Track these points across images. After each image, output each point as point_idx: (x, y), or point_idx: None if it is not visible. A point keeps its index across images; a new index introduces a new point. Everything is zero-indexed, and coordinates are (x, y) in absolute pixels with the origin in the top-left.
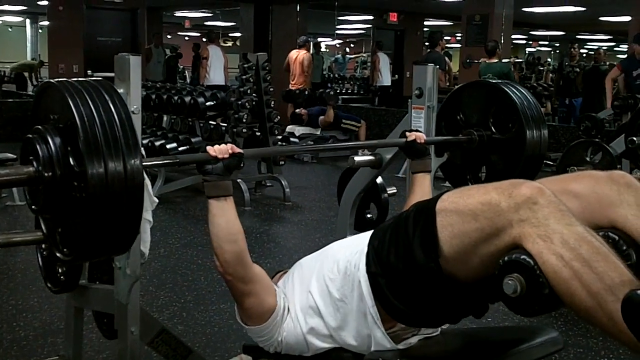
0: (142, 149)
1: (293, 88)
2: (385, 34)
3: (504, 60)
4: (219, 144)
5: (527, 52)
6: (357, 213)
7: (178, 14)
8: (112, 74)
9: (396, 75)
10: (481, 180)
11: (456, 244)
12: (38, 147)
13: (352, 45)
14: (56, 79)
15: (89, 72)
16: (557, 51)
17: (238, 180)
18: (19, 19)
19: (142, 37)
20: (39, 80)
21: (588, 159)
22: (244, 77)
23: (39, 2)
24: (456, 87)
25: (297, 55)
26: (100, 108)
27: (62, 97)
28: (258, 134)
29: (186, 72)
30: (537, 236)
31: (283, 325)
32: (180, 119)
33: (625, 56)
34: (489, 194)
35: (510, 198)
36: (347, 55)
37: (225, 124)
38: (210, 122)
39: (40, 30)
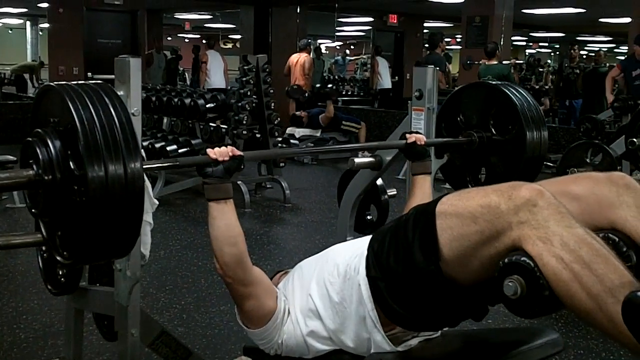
0: (142, 151)
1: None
2: (385, 36)
3: (504, 62)
4: (219, 147)
5: (527, 53)
6: (357, 215)
7: (178, 16)
8: (112, 76)
9: (396, 77)
10: (481, 181)
11: (456, 246)
12: (38, 150)
13: (352, 47)
14: (56, 82)
15: (89, 74)
16: (557, 53)
17: (238, 182)
18: (19, 21)
19: (142, 39)
20: (40, 82)
21: (588, 160)
22: (244, 79)
23: (39, 5)
24: (456, 88)
25: (298, 59)
26: (101, 111)
27: (62, 100)
28: (258, 135)
29: (186, 74)
30: (537, 238)
31: (283, 328)
32: (181, 121)
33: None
34: (489, 197)
35: (509, 200)
36: (347, 57)
37: (226, 126)
38: (211, 124)
39: (40, 33)
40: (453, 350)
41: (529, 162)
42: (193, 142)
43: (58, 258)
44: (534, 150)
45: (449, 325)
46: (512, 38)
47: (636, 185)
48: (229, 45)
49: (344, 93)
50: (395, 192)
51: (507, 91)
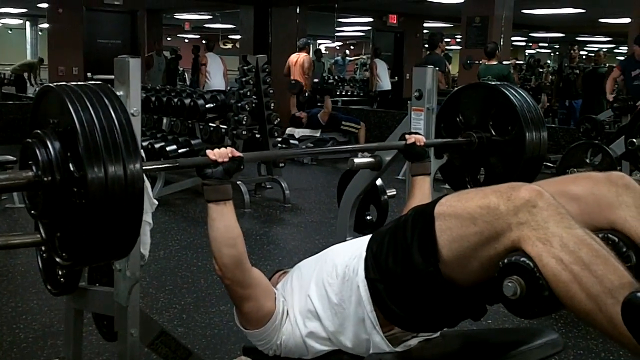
0: (142, 151)
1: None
2: (384, 36)
3: (504, 62)
4: (219, 148)
5: (526, 53)
6: (356, 215)
7: (178, 16)
8: (111, 77)
9: (396, 77)
10: (480, 182)
11: (455, 248)
12: (37, 151)
13: (352, 47)
14: (56, 83)
15: (89, 74)
16: (557, 53)
17: (238, 182)
18: (18, 21)
19: (141, 40)
20: (40, 81)
21: (588, 160)
22: (243, 79)
23: (39, 5)
24: (455, 89)
25: (298, 58)
26: (100, 113)
27: (61, 102)
28: (258, 136)
29: (186, 74)
30: (537, 239)
31: (282, 329)
32: (180, 121)
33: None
34: (488, 198)
35: (509, 201)
36: (347, 58)
37: (225, 126)
38: (210, 124)
39: (40, 33)
40: (452, 350)
41: (529, 162)
42: (193, 142)
43: (57, 259)
44: (533, 151)
45: (448, 326)
46: (512, 38)
47: (635, 186)
48: (229, 46)
49: (343, 93)
50: (394, 193)
51: (506, 92)
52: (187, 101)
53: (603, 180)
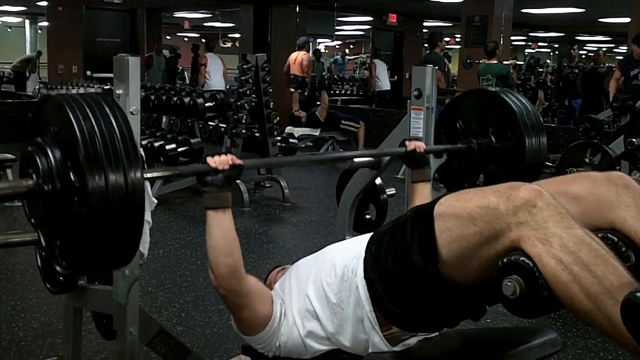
0: (141, 149)
1: (292, 90)
2: (384, 35)
3: (505, 62)
4: (219, 155)
5: (526, 53)
6: (356, 214)
7: (177, 14)
8: (111, 75)
9: (395, 77)
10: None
11: (455, 248)
12: (38, 160)
13: (351, 46)
14: (57, 93)
15: (88, 72)
16: (557, 52)
17: (237, 181)
18: (18, 19)
19: (141, 38)
20: (39, 79)
21: (587, 160)
22: (243, 78)
23: (39, 3)
24: (456, 94)
25: (297, 57)
26: (101, 121)
27: (62, 110)
28: (257, 134)
29: (185, 73)
30: (536, 239)
31: (281, 330)
32: (180, 119)
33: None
34: (487, 197)
35: (508, 201)
36: (347, 57)
37: (225, 125)
38: (210, 123)
39: (39, 31)
40: (451, 349)
41: (528, 169)
42: (192, 141)
43: (57, 268)
44: (533, 158)
45: (448, 326)
46: (512, 38)
47: (635, 185)
48: (228, 44)
49: (343, 92)
50: (394, 192)
51: (506, 98)
52: (187, 100)
53: (603, 180)
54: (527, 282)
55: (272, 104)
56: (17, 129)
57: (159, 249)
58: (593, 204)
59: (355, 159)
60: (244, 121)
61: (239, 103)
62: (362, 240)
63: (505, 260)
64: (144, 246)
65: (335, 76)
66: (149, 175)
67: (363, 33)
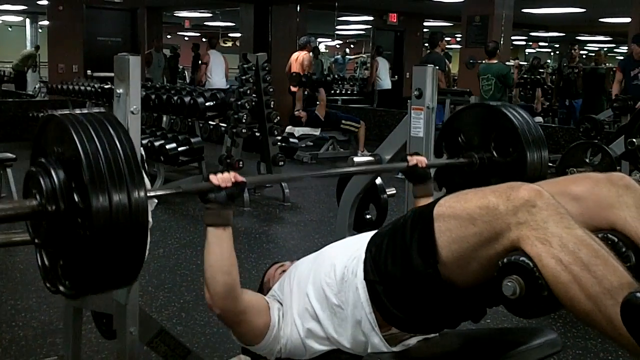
0: (143, 156)
1: (293, 90)
2: (385, 35)
3: (507, 63)
4: (222, 172)
5: (526, 53)
6: (356, 214)
7: (178, 14)
8: (111, 74)
9: (396, 76)
10: None
11: (455, 249)
12: (41, 180)
13: (352, 45)
14: (60, 112)
15: (89, 72)
16: (557, 52)
17: None
18: (18, 18)
19: (142, 37)
20: (40, 77)
21: (587, 160)
22: (243, 77)
23: (39, 2)
24: (458, 109)
25: (298, 56)
26: (105, 142)
27: (66, 131)
28: (257, 134)
29: (186, 72)
30: (536, 239)
31: (280, 334)
32: (180, 119)
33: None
34: (487, 198)
35: (508, 201)
36: (347, 56)
37: (225, 125)
38: (210, 122)
39: (40, 30)
40: (451, 350)
41: (530, 183)
42: (192, 140)
43: (60, 288)
44: (534, 172)
45: (448, 327)
46: (512, 38)
47: (636, 186)
48: (229, 44)
49: (343, 92)
50: (394, 191)
51: (507, 113)
52: (187, 99)
53: (603, 180)
54: (527, 282)
55: (272, 103)
56: (17, 128)
57: (159, 248)
58: (593, 205)
59: (356, 159)
60: (244, 120)
61: (239, 102)
62: (362, 240)
63: (505, 260)
64: None
65: (336, 75)
66: (152, 194)
67: (363, 33)
